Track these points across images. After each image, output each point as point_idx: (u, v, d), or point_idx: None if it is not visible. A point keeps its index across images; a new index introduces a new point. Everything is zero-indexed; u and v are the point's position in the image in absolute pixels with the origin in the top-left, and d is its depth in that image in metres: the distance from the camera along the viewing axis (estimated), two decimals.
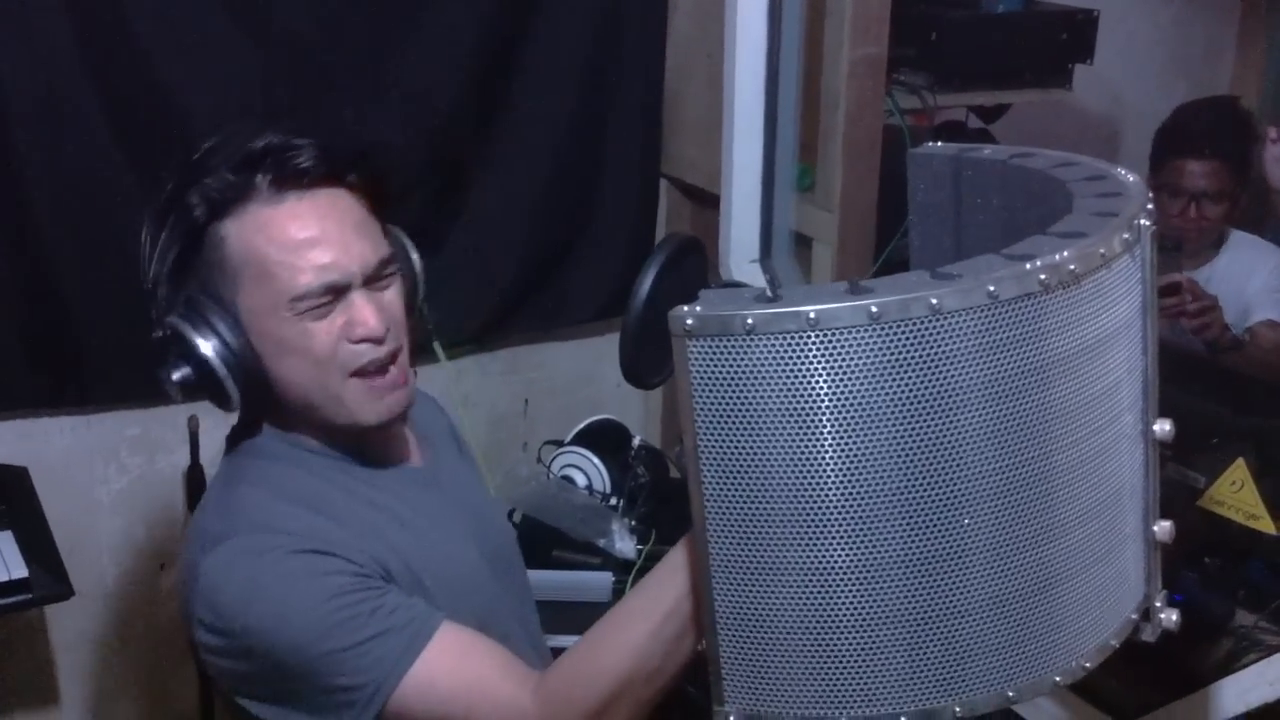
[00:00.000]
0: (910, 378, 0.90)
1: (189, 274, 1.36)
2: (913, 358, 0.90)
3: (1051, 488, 0.96)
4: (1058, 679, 1.00)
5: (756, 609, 0.97)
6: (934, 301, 0.88)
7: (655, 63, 2.59)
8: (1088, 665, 1.01)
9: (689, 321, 0.91)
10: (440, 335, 2.51)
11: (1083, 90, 2.52)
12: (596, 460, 2.26)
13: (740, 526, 0.95)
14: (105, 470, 2.42)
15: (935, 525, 0.93)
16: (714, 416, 0.92)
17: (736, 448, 0.93)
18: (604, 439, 2.38)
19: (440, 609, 1.33)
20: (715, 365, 0.91)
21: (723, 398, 0.92)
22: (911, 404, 0.91)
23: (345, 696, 1.29)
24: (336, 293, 1.34)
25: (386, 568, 1.36)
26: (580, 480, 2.21)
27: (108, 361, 2.29)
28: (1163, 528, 1.07)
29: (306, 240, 1.33)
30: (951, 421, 0.92)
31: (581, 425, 2.35)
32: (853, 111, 2.13)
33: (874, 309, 0.88)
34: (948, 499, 0.93)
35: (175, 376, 1.34)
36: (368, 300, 1.36)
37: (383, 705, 1.28)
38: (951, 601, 0.95)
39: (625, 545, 2.09)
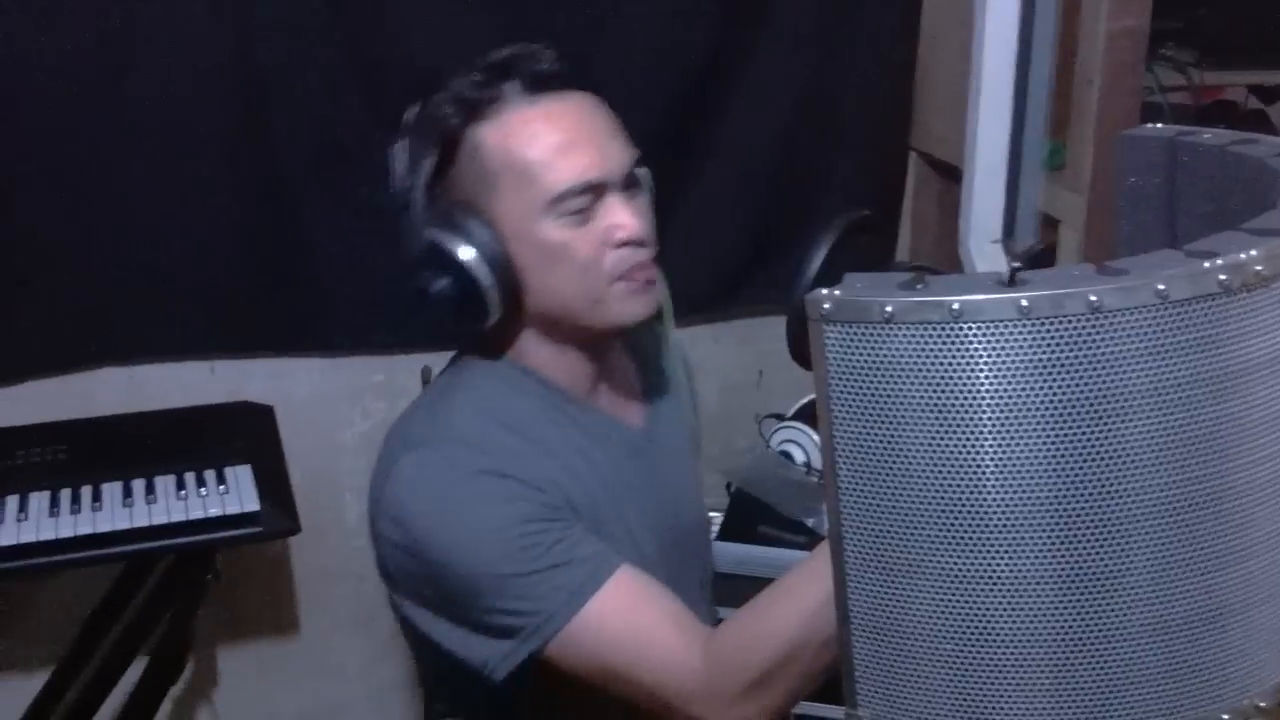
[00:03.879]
0: (1066, 379, 0.83)
1: (444, 186, 1.37)
2: (1069, 358, 0.82)
3: (1227, 509, 0.87)
4: (1225, 717, 0.91)
5: (894, 611, 0.92)
6: (1093, 299, 0.81)
7: (907, 30, 2.50)
8: (1262, 705, 0.92)
9: (825, 306, 0.86)
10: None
11: None
12: (817, 437, 2.21)
13: (877, 523, 0.90)
14: (350, 413, 2.53)
15: (1092, 540, 0.86)
16: (850, 406, 0.88)
17: (874, 440, 0.88)
18: None
19: None
20: (852, 353, 0.86)
21: (860, 387, 0.87)
22: (1068, 407, 0.84)
23: (512, 621, 1.27)
24: (596, 192, 1.34)
25: (575, 505, 1.35)
26: (799, 456, 2.17)
27: (353, 308, 2.39)
28: None
29: (565, 141, 1.33)
30: (1113, 429, 0.84)
31: (805, 400, 2.30)
32: (1108, 87, 2.00)
33: (1024, 303, 0.82)
34: (1107, 513, 0.85)
35: (434, 288, 1.33)
36: (625, 203, 1.36)
37: (549, 638, 1.26)
38: (1107, 623, 0.88)
39: None
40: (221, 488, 2.02)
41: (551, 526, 1.29)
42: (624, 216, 1.35)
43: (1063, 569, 0.87)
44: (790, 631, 1.18)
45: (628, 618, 1.27)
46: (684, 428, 1.67)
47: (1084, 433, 0.84)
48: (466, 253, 1.32)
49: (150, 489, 2.02)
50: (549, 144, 1.33)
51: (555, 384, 1.43)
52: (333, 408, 2.51)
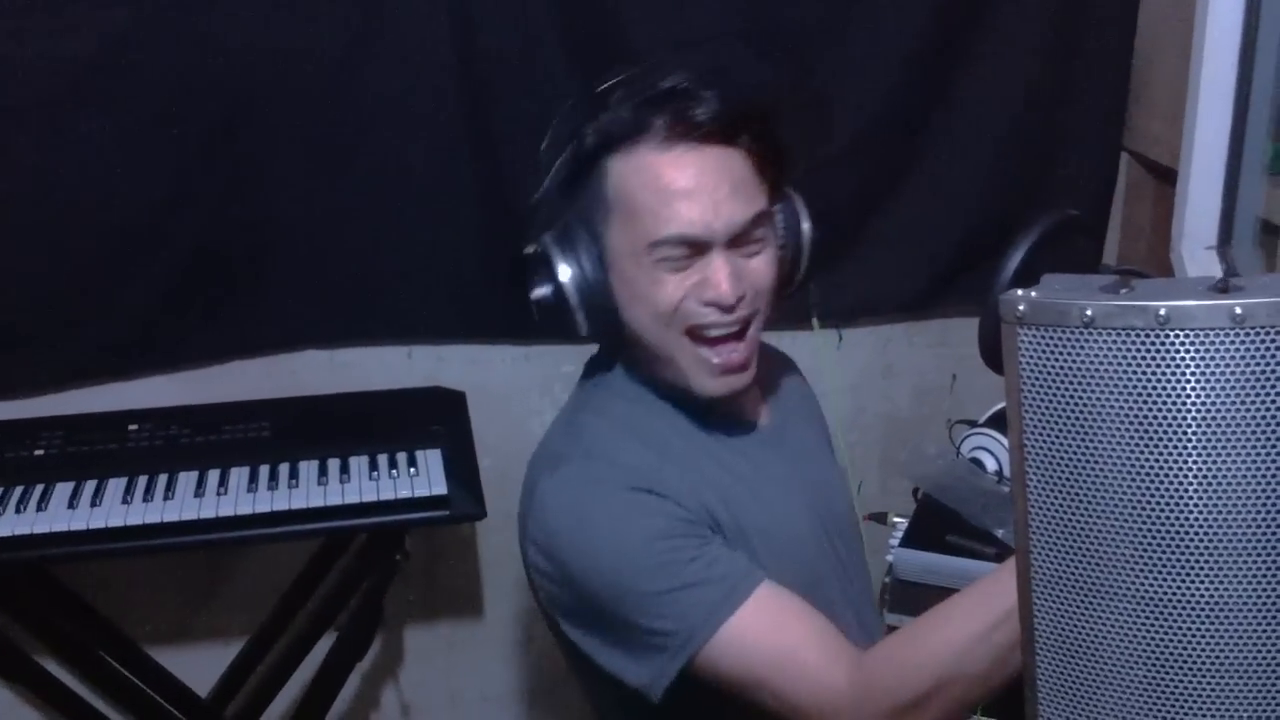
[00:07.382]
0: (1276, 395, 0.78)
1: (571, 200, 1.40)
2: None
3: None
4: None
5: (1082, 632, 0.87)
6: None
7: (1124, 27, 2.39)
8: None
9: (1020, 308, 0.82)
10: (866, 304, 2.48)
11: None
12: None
13: (1068, 538, 0.86)
14: (540, 402, 2.56)
15: None
16: (1043, 414, 0.84)
17: (1067, 451, 0.83)
18: None
19: (764, 568, 1.31)
20: (1047, 358, 0.82)
21: (1054, 394, 0.83)
22: (1276, 425, 0.78)
23: (655, 640, 1.29)
24: (695, 248, 1.34)
25: (715, 518, 1.36)
26: (990, 465, 2.10)
27: None
28: None
29: (679, 191, 1.33)
30: None
31: (998, 407, 2.22)
32: None
33: (1239, 311, 0.76)
34: None
35: (535, 295, 1.38)
36: (726, 263, 1.34)
37: (692, 656, 1.28)
38: None
39: None
40: (412, 470, 2.07)
41: (689, 543, 1.30)
42: (718, 276, 1.33)
43: (1269, 596, 0.81)
44: (943, 661, 1.17)
45: (767, 635, 1.28)
46: (814, 428, 1.67)
47: None
48: (564, 272, 1.36)
49: (345, 469, 2.08)
50: (663, 192, 1.33)
51: (673, 391, 1.44)
52: (523, 396, 2.54)
